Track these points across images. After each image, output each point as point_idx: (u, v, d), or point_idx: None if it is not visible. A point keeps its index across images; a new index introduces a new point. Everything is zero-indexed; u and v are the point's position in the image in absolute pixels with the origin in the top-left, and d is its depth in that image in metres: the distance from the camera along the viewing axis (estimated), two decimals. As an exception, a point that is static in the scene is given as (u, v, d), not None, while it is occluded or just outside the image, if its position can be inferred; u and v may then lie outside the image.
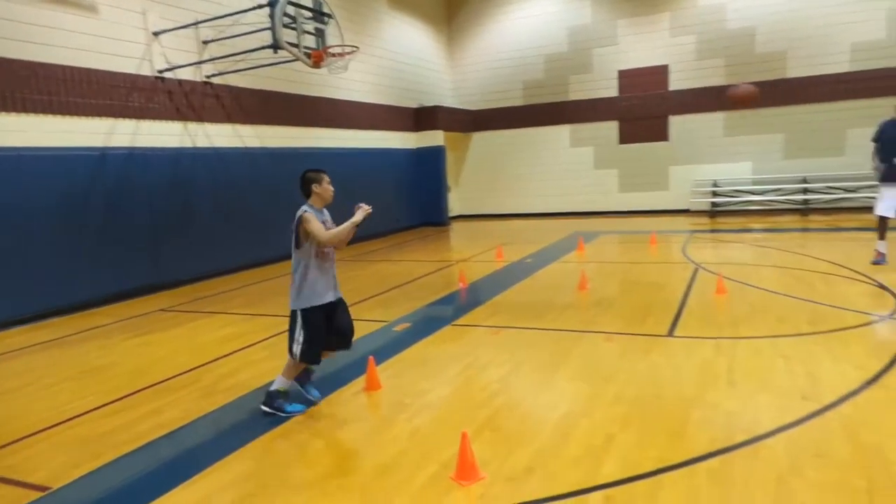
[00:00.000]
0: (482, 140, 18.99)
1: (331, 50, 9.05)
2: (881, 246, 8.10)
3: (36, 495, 3.35)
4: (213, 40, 10.19)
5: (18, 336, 7.10)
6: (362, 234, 14.33)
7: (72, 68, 8.30)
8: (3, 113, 7.54)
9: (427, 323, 6.55)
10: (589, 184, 17.63)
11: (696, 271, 8.37)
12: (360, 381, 4.74)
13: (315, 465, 3.48)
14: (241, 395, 4.69)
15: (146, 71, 9.39)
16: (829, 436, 3.41)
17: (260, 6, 9.04)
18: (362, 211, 4.31)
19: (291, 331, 4.33)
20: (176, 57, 9.80)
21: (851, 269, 7.83)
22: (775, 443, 3.37)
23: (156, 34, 9.41)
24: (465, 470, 3.19)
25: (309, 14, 9.07)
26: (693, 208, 16.22)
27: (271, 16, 8.43)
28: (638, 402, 4.09)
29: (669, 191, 16.75)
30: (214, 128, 10.68)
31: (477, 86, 18.81)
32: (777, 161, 15.54)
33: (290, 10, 8.79)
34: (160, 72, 9.53)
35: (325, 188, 4.64)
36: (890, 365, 4.38)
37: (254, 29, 9.65)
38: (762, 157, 15.64)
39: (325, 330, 4.31)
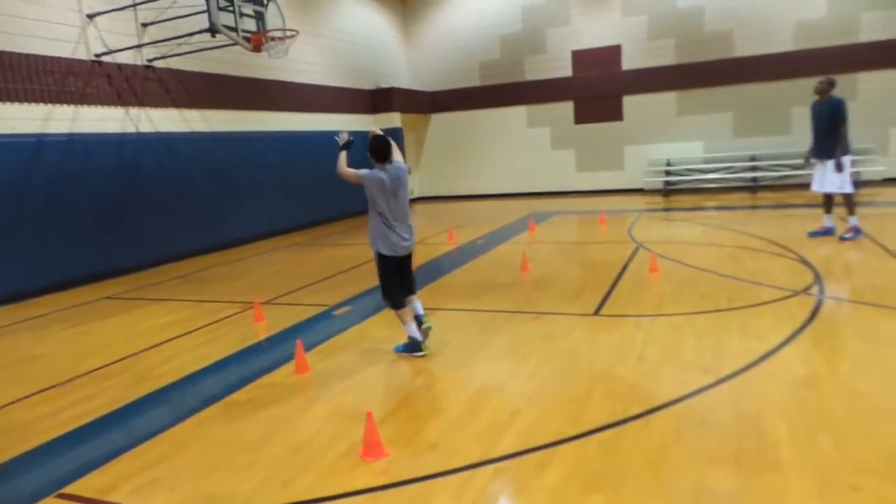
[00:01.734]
0: (441, 121, 19.00)
1: (270, 34, 8.96)
2: (826, 219, 8.55)
3: (-48, 485, 3.40)
4: (152, 23, 10.01)
5: (-46, 328, 7.02)
6: (318, 219, 14.41)
7: (2, 52, 8.10)
8: (-70, 100, 7.36)
9: (367, 307, 6.65)
10: (547, 164, 17.82)
11: (636, 250, 8.61)
12: (290, 365, 4.85)
13: (229, 446, 3.59)
14: (172, 382, 4.76)
15: (82, 55, 9.19)
16: (716, 406, 3.64)
17: (197, -12, 8.89)
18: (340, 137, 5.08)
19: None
20: (114, 40, 9.61)
21: (782, 246, 8.16)
22: (667, 413, 3.58)
23: (90, 17, 9.20)
24: (371, 447, 3.33)
25: (249, -3, 8.96)
26: (647, 187, 16.54)
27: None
28: (550, 378, 4.27)
29: (625, 170, 17.04)
30: (159, 113, 10.53)
31: (434, 67, 18.76)
32: (727, 140, 15.91)
33: (229, -8, 8.67)
34: (97, 55, 9.34)
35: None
36: (789, 339, 4.64)
37: (193, 11, 9.48)
38: (713, 136, 15.99)
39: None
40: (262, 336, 5.88)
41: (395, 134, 16.94)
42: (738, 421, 3.42)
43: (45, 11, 8.65)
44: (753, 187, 15.37)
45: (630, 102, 16.72)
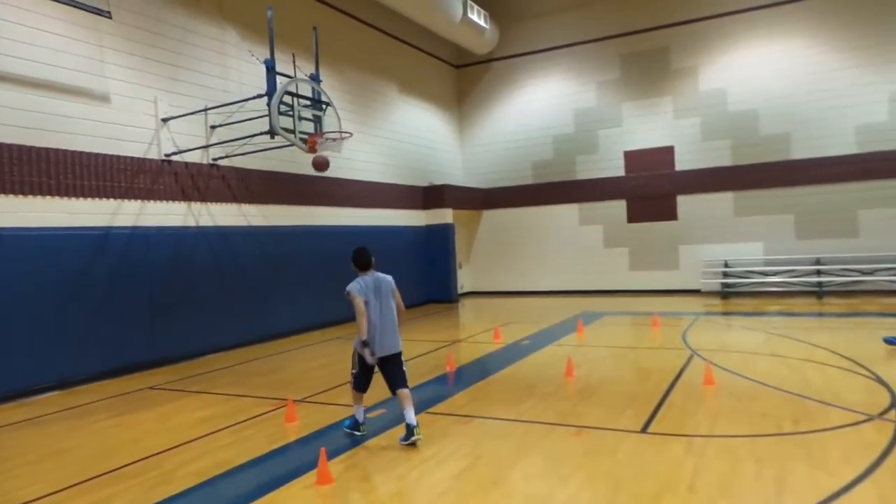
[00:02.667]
0: (493, 217, 19.20)
1: (326, 135, 9.37)
2: None
3: None
4: (219, 125, 10.68)
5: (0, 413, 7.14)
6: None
7: (80, 153, 8.73)
8: (12, 195, 7.91)
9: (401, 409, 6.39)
10: (599, 262, 17.54)
11: (690, 358, 8.12)
12: (312, 475, 4.61)
13: (235, 570, 3.34)
14: (189, 487, 4.58)
15: (153, 154, 9.83)
16: (779, 555, 3.17)
17: (259, 96, 9.49)
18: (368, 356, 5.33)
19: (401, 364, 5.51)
20: (184, 141, 10.27)
21: (852, 360, 7.51)
22: (720, 562, 3.13)
23: (164, 120, 9.91)
24: (382, 583, 3.02)
25: (307, 102, 9.47)
26: (704, 289, 15.93)
27: (268, 105, 8.82)
28: (588, 507, 3.87)
29: (680, 270, 16.55)
30: (219, 207, 11.02)
31: (487, 165, 19.21)
32: (789, 241, 15.31)
33: (290, 99, 9.20)
34: (167, 155, 9.97)
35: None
36: (864, 474, 4.10)
37: (257, 115, 10.10)
38: (774, 238, 15.43)
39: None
40: (292, 438, 5.69)
41: (446, 229, 17.17)
42: (806, 577, 2.94)
43: (125, 117, 9.37)
44: (819, 292, 14.55)
45: (685, 202, 16.49)
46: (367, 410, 6.41)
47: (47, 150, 8.33)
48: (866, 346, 8.27)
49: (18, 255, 7.89)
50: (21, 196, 8.03)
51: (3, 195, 7.84)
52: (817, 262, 14.78)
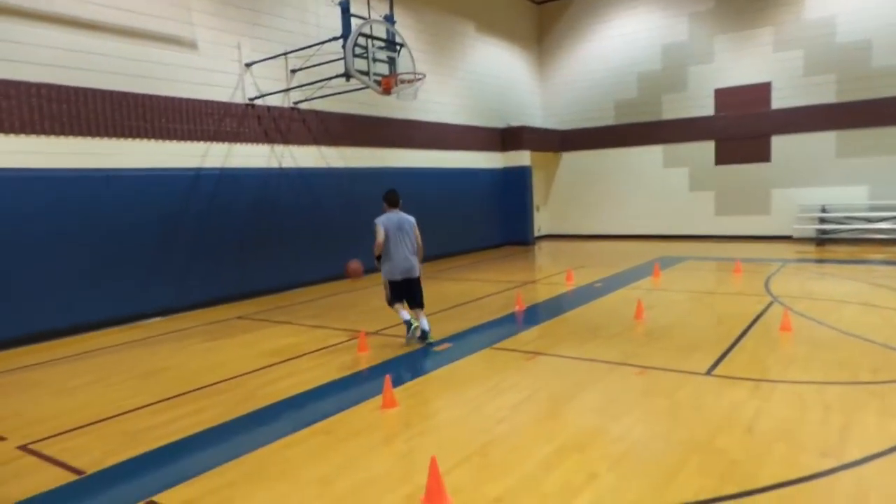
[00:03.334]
0: (572, 160, 18.76)
1: (400, 77, 9.42)
2: None
3: (72, 478, 3.82)
4: (299, 69, 10.95)
5: (112, 335, 8.00)
6: (444, 252, 14.73)
7: (172, 98, 9.27)
8: (115, 139, 8.58)
9: (468, 344, 6.62)
10: (683, 206, 16.86)
11: (770, 305, 7.81)
12: (378, 399, 4.92)
13: (303, 475, 3.69)
14: (271, 404, 5.02)
15: (238, 99, 10.27)
16: (830, 496, 3.13)
17: (335, 38, 9.61)
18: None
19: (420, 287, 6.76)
20: (266, 85, 10.64)
21: (954, 311, 6.98)
22: (765, 499, 3.15)
23: (248, 65, 10.28)
24: (432, 495, 3.26)
25: (381, 44, 9.51)
26: (797, 235, 15.02)
27: (343, 47, 8.94)
28: (640, 442, 3.94)
29: (771, 215, 15.64)
30: (300, 150, 11.43)
31: (567, 105, 18.64)
32: (897, 185, 14.06)
33: (364, 41, 9.27)
34: (251, 99, 10.38)
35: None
36: (942, 423, 3.91)
37: (334, 58, 10.27)
38: (881, 181, 14.21)
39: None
40: (363, 366, 6.05)
41: (524, 172, 16.99)
42: (855, 519, 2.91)
43: (209, 62, 9.80)
44: (930, 240, 13.39)
45: (780, 142, 15.40)
46: (435, 344, 6.69)
47: (143, 95, 8.90)
48: (974, 297, 7.64)
49: (124, 195, 8.60)
50: (122, 139, 8.68)
51: (107, 138, 8.51)
52: (929, 207, 13.54)
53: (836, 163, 14.70)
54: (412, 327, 6.54)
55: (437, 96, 14.75)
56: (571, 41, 18.46)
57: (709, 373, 5.26)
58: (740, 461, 3.58)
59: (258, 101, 10.57)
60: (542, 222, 19.15)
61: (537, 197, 18.57)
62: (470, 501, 3.27)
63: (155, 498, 3.48)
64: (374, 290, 10.83)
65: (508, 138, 17.12)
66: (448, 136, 15.27)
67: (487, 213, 16.64)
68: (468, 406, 4.75)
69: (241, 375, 5.88)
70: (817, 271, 10.79)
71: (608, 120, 17.94)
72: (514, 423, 4.35)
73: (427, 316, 6.89)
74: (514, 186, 17.09)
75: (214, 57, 9.87)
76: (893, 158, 14.04)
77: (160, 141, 9.15)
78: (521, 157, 17.02)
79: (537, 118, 18.87)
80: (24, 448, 4.33)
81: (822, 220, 14.70)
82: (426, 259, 14.33)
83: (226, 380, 5.75)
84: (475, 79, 16.31)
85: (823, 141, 14.82)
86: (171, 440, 4.34)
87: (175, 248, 9.25)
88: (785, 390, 4.72)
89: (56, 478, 3.83)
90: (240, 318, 8.86)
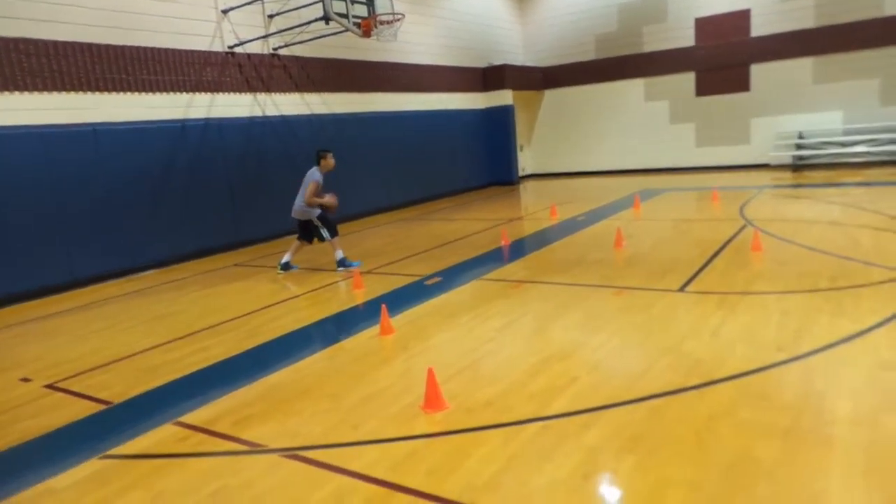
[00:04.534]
0: (554, 97, 18.79)
1: (379, 18, 9.42)
2: None
3: (101, 407, 4.18)
4: (277, 14, 10.86)
5: (112, 287, 8.27)
6: (430, 194, 14.96)
7: (152, 49, 9.24)
8: (98, 93, 8.61)
9: (457, 277, 6.97)
10: (664, 139, 17.08)
11: (743, 228, 8.20)
12: (377, 328, 5.29)
13: (314, 393, 4.07)
14: (275, 337, 5.38)
15: (217, 47, 10.23)
16: (781, 383, 3.56)
17: (311, -20, 9.55)
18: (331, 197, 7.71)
19: (316, 229, 7.91)
20: (244, 32, 10.57)
21: (914, 225, 7.41)
22: (725, 387, 3.57)
23: (224, 12, 10.20)
24: (431, 400, 3.65)
25: (359, -16, 9.47)
26: (774, 162, 15.38)
27: (321, -11, 8.91)
28: (616, 350, 4.35)
29: (751, 144, 15.93)
30: (282, 97, 11.46)
31: (548, 42, 18.53)
32: (872, 109, 14.33)
33: (341, -19, 9.23)
34: (230, 47, 10.35)
35: (329, 162, 7.95)
36: (885, 321, 4.33)
37: (313, 1, 10.20)
38: (854, 106, 14.48)
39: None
40: (359, 301, 6.40)
41: (506, 111, 17.06)
42: (801, 398, 3.34)
43: (185, 10, 9.72)
44: (901, 161, 13.79)
45: (758, 71, 15.54)
46: (428, 278, 7.03)
47: (122, 47, 8.87)
48: (934, 212, 8.07)
49: (110, 149, 8.69)
50: (105, 93, 8.71)
51: (90, 93, 8.54)
52: (901, 129, 13.87)
53: (812, 89, 14.91)
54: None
55: (417, 37, 14.64)
56: (550, -25, 18.18)
57: (681, 290, 5.66)
58: (705, 360, 4.00)
59: (238, 49, 10.53)
60: (527, 162, 19.33)
61: (521, 136, 18.69)
62: (464, 404, 3.67)
63: (180, 419, 3.85)
64: (367, 233, 11.12)
65: (490, 78, 17.09)
66: (429, 77, 15.24)
67: (471, 154, 16.78)
68: (460, 330, 5.13)
69: (243, 316, 6.21)
70: (791, 195, 11.19)
71: (589, 55, 17.90)
72: (503, 342, 4.74)
73: (418, 254, 7.21)
74: (497, 126, 17.18)
75: (190, 4, 9.78)
76: (866, 82, 14.27)
77: (142, 93, 9.18)
78: (504, 97, 17.05)
79: (518, 56, 18.77)
80: (50, 386, 4.68)
81: (799, 147, 15.02)
82: (413, 202, 14.63)
83: (229, 320, 6.08)
84: (455, 17, 16.14)
85: (801, 67, 14.98)
86: (186, 373, 4.69)
87: (165, 201, 9.41)
88: (749, 301, 5.14)
89: (86, 409, 4.18)
90: (236, 265, 9.15)
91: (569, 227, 9.62)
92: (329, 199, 7.80)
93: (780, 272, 5.93)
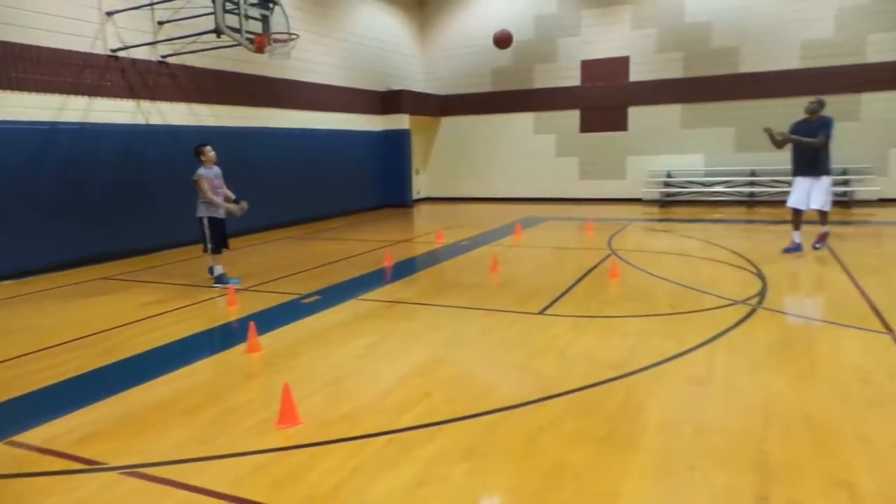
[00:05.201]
0: (451, 124, 19.41)
1: (273, 36, 9.45)
2: (796, 236, 8.77)
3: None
4: (167, 21, 10.58)
5: (-40, 298, 7.62)
6: (322, 213, 14.92)
7: (23, 46, 8.72)
8: (-48, 88, 8.00)
9: (335, 297, 7.06)
10: (551, 170, 18.09)
11: (607, 257, 8.90)
12: (244, 345, 5.27)
13: (168, 409, 4.02)
14: (135, 354, 5.22)
15: (99, 49, 9.80)
16: (607, 397, 3.97)
17: (203, -8, 9.43)
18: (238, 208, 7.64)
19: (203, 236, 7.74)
20: (131, 37, 10.20)
21: (748, 259, 8.37)
22: (559, 402, 3.92)
23: (109, 14, 9.81)
24: (286, 416, 3.74)
25: (254, 1, 9.46)
26: (645, 197, 16.72)
27: (213, 1, 8.82)
28: (472, 367, 4.64)
29: (627, 180, 17.24)
30: (169, 106, 11.10)
31: (447, 71, 19.17)
32: (728, 154, 16.00)
33: (234, -4, 9.19)
34: (113, 51, 9.94)
35: (209, 155, 7.96)
36: (705, 343, 4.92)
37: (205, 12, 10.03)
38: (714, 150, 16.11)
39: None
40: (231, 318, 6.33)
41: (403, 135, 17.41)
42: (621, 411, 3.74)
43: (66, 8, 9.25)
44: (750, 202, 15.45)
45: (635, 113, 16.92)
46: (307, 297, 7.09)
47: (-14, 42, 8.32)
48: (768, 248, 9.16)
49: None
50: (-37, 89, 8.11)
51: (-56, 88, 7.92)
52: (752, 173, 15.57)
53: (680, 133, 16.44)
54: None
55: (316, 56, 14.71)
56: (451, 8, 18.90)
57: (541, 312, 6.09)
58: (549, 376, 4.36)
59: (122, 54, 10.13)
60: (422, 185, 19.76)
61: (417, 160, 19.10)
62: (319, 419, 3.79)
63: (14, 438, 3.68)
64: (252, 249, 10.93)
65: (388, 101, 17.41)
66: (327, 97, 15.31)
67: (367, 175, 16.95)
68: (328, 348, 5.24)
69: (104, 331, 5.96)
70: (654, 229, 12.24)
71: (485, 86, 18.70)
72: (367, 360, 4.90)
73: (300, 273, 7.25)
74: (394, 149, 17.49)
75: (70, 2, 9.33)
76: (724, 129, 15.94)
77: (9, 92, 8.61)
78: (401, 121, 17.41)
79: (418, 83, 19.26)
80: None
81: (667, 185, 16.45)
82: (303, 220, 14.52)
83: (88, 335, 5.82)
84: (356, 41, 16.36)
85: (671, 113, 16.48)
86: (28, 391, 4.46)
87: (25, 207, 8.79)
88: (598, 323, 5.63)
89: None
90: (105, 278, 8.71)
91: (451, 251, 9.98)
92: (231, 205, 7.92)
93: (629, 298, 6.53)
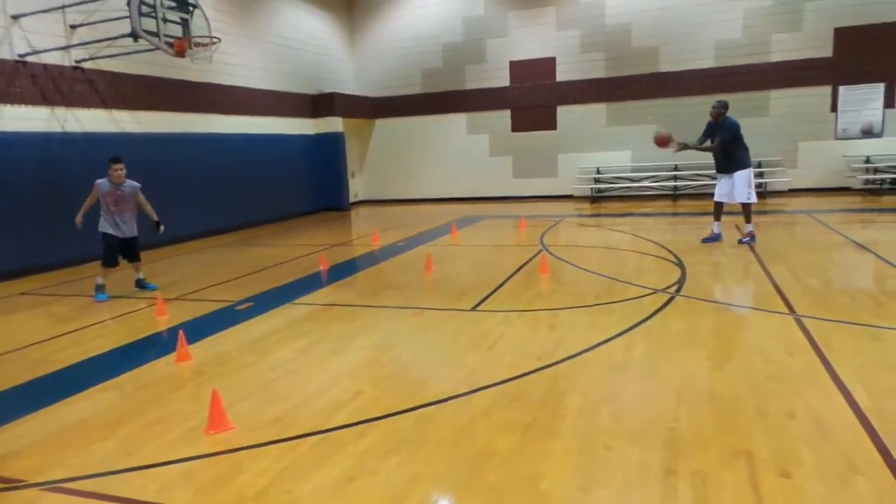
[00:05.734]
0: (384, 126, 19.42)
1: (194, 40, 9.25)
2: (716, 226, 9.32)
3: None
4: (80, 25, 10.17)
5: None
6: (254, 219, 14.65)
7: (-81, 52, 8.22)
8: None
9: (268, 302, 7.00)
10: (485, 170, 18.38)
11: (538, 253, 9.17)
12: (173, 355, 5.18)
13: (89, 423, 3.93)
14: (56, 370, 5.05)
15: (6, 54, 9.32)
16: (532, 387, 4.14)
17: (117, -6, 9.14)
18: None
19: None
20: (40, 41, 9.75)
21: (669, 250, 8.81)
22: (488, 393, 4.06)
23: (15, 17, 9.35)
24: (215, 422, 3.72)
25: (172, 4, 9.23)
26: (576, 194, 17.25)
27: (128, 4, 8.56)
28: (404, 364, 4.73)
29: (558, 177, 17.72)
30: (86, 113, 10.67)
31: (378, 73, 19.17)
32: (653, 150, 16.61)
33: (152, -1, 8.94)
34: (21, 56, 9.48)
35: (113, 172, 7.49)
36: (625, 331, 5.19)
37: (121, 15, 9.70)
38: (640, 146, 16.74)
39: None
40: (160, 328, 6.19)
41: (336, 138, 17.31)
42: (545, 398, 3.92)
43: (-35, 11, 8.78)
44: (674, 195, 16.20)
45: (563, 112, 17.42)
46: (239, 303, 7.00)
47: None
48: (688, 239, 9.66)
49: None
50: None
51: None
52: (675, 168, 16.33)
53: (606, 131, 17.04)
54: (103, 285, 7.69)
55: (243, 59, 14.44)
56: (381, 9, 18.91)
57: (473, 309, 6.25)
58: (477, 370, 4.50)
59: (31, 59, 9.67)
60: (359, 188, 19.69)
61: (352, 163, 19.02)
62: (250, 424, 3.79)
63: (-74, 462, 3.52)
64: (180, 258, 10.64)
65: (320, 105, 17.27)
66: (256, 101, 15.05)
67: (301, 179, 16.76)
68: (260, 353, 5.21)
69: (22, 348, 5.72)
70: (584, 224, 12.67)
71: (417, 88, 18.81)
72: (300, 363, 4.91)
73: (232, 280, 7.13)
74: (328, 153, 17.35)
75: (-29, 7, 8.85)
76: (647, 127, 16.50)
77: None
78: (334, 124, 17.29)
79: (350, 85, 19.18)
80: None
81: (597, 181, 17.03)
82: (235, 227, 14.22)
83: (8, 352, 5.58)
84: (283, 44, 16.15)
85: (596, 111, 17.06)
86: (-57, 412, 4.26)
87: (-64, 222, 8.32)
88: (527, 317, 5.83)
89: None
90: (23, 294, 8.32)
91: (387, 253, 10.04)
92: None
93: (559, 292, 6.78)
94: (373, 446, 3.41)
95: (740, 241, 9.07)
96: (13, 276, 9.28)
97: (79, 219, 7.58)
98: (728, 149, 8.97)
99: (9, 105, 9.39)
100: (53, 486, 3.15)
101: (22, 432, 3.85)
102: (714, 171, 9.59)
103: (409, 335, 5.49)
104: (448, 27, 18.12)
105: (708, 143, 9.31)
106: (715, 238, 9.28)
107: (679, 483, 2.88)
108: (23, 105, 9.59)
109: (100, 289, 7.58)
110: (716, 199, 9.35)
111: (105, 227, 7.56)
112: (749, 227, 9.15)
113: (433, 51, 18.41)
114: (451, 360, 4.75)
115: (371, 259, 9.65)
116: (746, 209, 9.08)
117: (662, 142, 9.10)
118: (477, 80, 18.12)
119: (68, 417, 4.05)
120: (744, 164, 8.97)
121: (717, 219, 9.36)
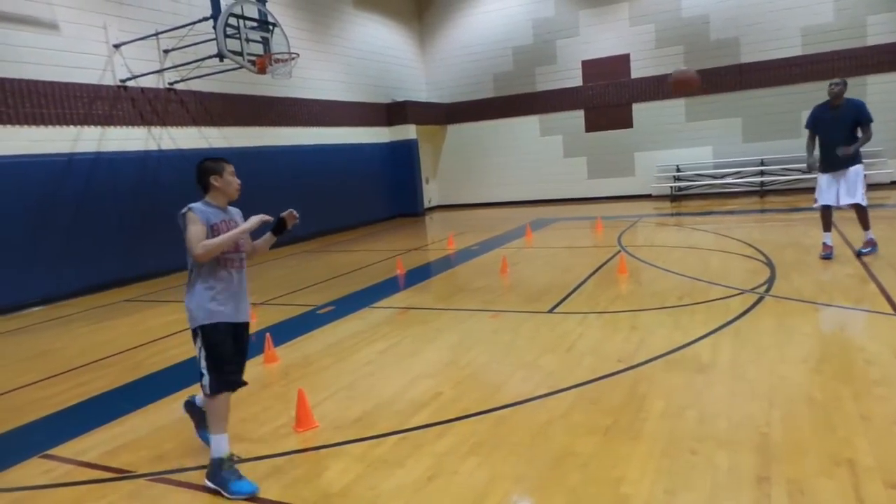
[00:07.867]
0: (457, 132, 19.57)
1: (274, 57, 9.69)
2: (828, 238, 7.47)
3: (-38, 450, 4.10)
4: (173, 49, 10.87)
5: (-11, 327, 7.90)
6: (333, 226, 15.14)
7: (35, 82, 9.04)
8: (-28, 125, 8.32)
9: (349, 306, 7.21)
10: (559, 172, 18.16)
11: (617, 254, 8.96)
12: (262, 356, 5.44)
13: (189, 421, 4.18)
14: (159, 370, 5.42)
15: (108, 81, 10.11)
16: (613, 389, 4.05)
17: (205, 18, 9.69)
18: (257, 218, 3.65)
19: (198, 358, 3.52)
20: (138, 66, 10.51)
21: (757, 249, 8.39)
22: (567, 395, 4.02)
23: (116, 46, 10.12)
24: (302, 420, 3.88)
25: (254, 24, 9.71)
26: (655, 193, 16.72)
27: (214, 28, 9.08)
28: (481, 366, 4.75)
29: (636, 176, 17.25)
30: (179, 131, 11.40)
31: (450, 79, 19.36)
32: (736, 144, 15.97)
33: (236, 21, 9.43)
34: (122, 81, 10.25)
35: (228, 180, 3.69)
36: (711, 332, 4.99)
37: (208, 38, 10.32)
38: (722, 142, 16.08)
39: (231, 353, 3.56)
40: (250, 332, 6.48)
41: (410, 145, 17.61)
42: (626, 401, 3.83)
43: (74, 44, 9.58)
44: (761, 192, 15.40)
45: (639, 110, 16.95)
46: (321, 307, 7.24)
47: (3, 80, 8.63)
48: (777, 237, 9.16)
49: (-12, 183, 8.38)
50: (-17, 126, 8.43)
51: (-36, 126, 8.24)
52: (761, 163, 15.53)
53: (686, 126, 16.44)
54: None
55: (319, 73, 14.98)
56: (450, 17, 19.12)
57: (550, 311, 6.19)
58: (555, 372, 4.46)
59: (131, 83, 10.44)
60: (433, 193, 19.93)
61: (426, 169, 19.28)
62: (335, 422, 3.92)
63: (48, 452, 3.86)
64: (266, 265, 11.15)
65: (393, 113, 17.63)
66: (332, 112, 15.56)
67: (377, 186, 17.15)
68: (342, 355, 5.38)
69: (128, 350, 6.17)
70: (664, 223, 12.26)
71: (488, 92, 18.85)
72: (380, 364, 5.03)
73: (314, 285, 7.38)
74: (402, 160, 17.69)
75: (78, 38, 9.65)
76: (730, 121, 15.91)
77: (25, 126, 8.93)
78: (407, 131, 17.61)
79: (422, 92, 19.47)
80: None
81: (677, 179, 16.45)
82: (315, 234, 14.74)
83: (112, 355, 6.03)
84: (357, 55, 16.62)
85: (675, 107, 16.49)
86: (59, 409, 4.65)
87: (51, 236, 9.11)
88: (606, 319, 5.71)
89: (-53, 449, 4.09)
90: (127, 300, 8.96)
91: (462, 256, 10.10)
92: None
93: (638, 293, 6.60)
94: (452, 447, 3.44)
95: (860, 253, 7.38)
96: (118, 284, 10.02)
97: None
98: (853, 137, 7.02)
99: (112, 127, 10.17)
100: (157, 478, 3.38)
101: (128, 428, 4.16)
102: (804, 166, 8.07)
103: (486, 337, 5.50)
104: (518, 30, 18.06)
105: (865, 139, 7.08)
106: (831, 252, 7.42)
107: (773, 490, 2.74)
108: (124, 126, 10.36)
109: (229, 469, 3.24)
110: (823, 202, 7.31)
111: (212, 305, 3.66)
112: (870, 235, 7.42)
113: (503, 54, 18.40)
114: (528, 362, 4.73)
115: (446, 263, 9.74)
116: (863, 213, 7.26)
117: (685, 84, 7.24)
118: (548, 81, 17.95)
119: (169, 415, 4.33)
120: (860, 156, 7.14)
121: (828, 228, 7.48)
